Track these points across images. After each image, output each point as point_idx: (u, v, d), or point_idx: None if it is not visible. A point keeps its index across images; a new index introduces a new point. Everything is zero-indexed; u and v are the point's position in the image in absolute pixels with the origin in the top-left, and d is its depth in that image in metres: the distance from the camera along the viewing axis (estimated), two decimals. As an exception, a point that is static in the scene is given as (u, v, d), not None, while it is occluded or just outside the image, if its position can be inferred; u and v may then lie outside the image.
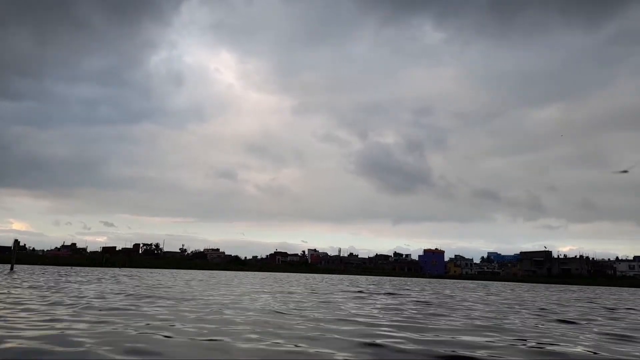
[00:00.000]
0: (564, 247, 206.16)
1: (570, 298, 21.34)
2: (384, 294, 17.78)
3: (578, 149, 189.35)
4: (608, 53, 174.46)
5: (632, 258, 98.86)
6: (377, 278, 64.63)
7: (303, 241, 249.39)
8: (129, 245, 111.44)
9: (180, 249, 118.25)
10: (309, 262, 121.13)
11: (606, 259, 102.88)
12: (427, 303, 13.15)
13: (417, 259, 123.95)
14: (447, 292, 22.50)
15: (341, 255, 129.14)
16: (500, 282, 67.78)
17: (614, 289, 50.00)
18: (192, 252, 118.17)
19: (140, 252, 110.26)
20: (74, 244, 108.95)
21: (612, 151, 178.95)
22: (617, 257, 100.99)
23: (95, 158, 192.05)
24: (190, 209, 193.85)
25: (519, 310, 11.90)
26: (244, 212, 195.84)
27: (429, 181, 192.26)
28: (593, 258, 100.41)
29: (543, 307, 13.63)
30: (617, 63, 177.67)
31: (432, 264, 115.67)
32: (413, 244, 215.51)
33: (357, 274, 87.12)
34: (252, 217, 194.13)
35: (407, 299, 14.70)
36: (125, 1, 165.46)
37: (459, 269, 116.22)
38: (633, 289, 60.74)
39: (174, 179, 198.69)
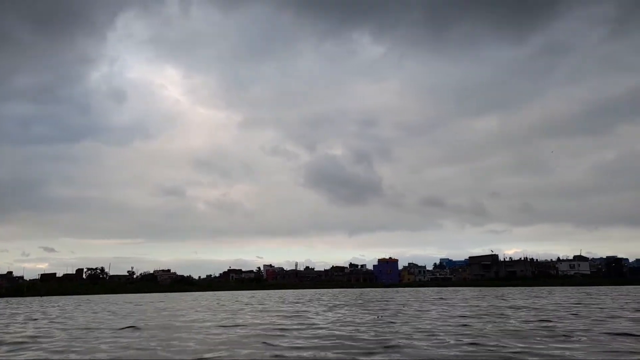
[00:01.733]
0: (510, 250, 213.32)
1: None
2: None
3: (516, 156, 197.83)
4: (536, 65, 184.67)
5: (572, 257, 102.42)
6: (322, 290, 63.72)
7: (258, 257, 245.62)
8: (72, 271, 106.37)
9: (128, 272, 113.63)
10: (265, 277, 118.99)
11: (549, 259, 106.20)
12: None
13: (372, 269, 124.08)
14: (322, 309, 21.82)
15: (297, 269, 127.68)
16: (440, 288, 68.18)
17: (535, 289, 50.85)
18: (140, 274, 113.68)
19: (84, 277, 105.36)
20: (9, 273, 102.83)
21: (547, 157, 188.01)
22: (558, 258, 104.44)
23: (32, 179, 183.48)
24: (138, 229, 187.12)
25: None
26: (196, 229, 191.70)
27: (378, 192, 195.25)
28: (536, 259, 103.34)
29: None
30: (546, 74, 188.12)
31: (387, 273, 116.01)
32: (368, 254, 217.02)
33: (312, 288, 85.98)
34: (205, 234, 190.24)
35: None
36: (54, 14, 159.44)
37: (412, 276, 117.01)
38: (572, 287, 62.41)
39: (119, 198, 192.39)
